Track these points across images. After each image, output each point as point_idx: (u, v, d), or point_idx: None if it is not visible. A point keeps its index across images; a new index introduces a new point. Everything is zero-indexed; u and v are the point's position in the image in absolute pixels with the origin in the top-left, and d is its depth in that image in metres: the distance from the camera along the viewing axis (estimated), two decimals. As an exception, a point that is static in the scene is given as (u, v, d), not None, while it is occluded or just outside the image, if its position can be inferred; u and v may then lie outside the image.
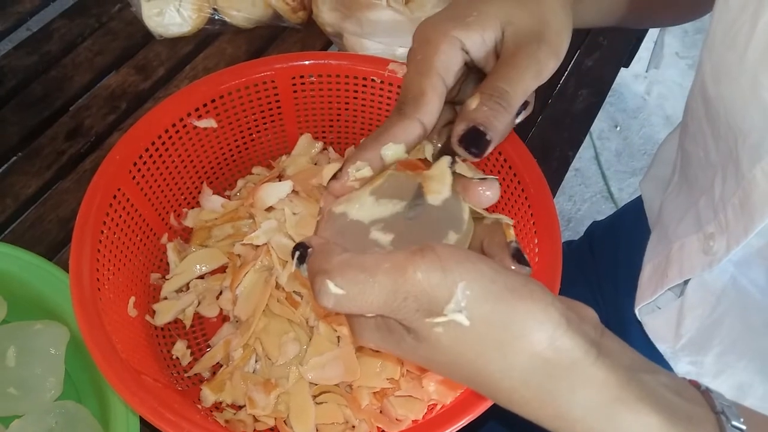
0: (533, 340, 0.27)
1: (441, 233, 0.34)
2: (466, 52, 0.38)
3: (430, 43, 0.37)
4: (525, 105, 0.39)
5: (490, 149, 0.35)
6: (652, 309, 0.52)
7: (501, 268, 0.29)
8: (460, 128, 0.35)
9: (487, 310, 0.27)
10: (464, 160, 0.37)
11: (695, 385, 0.32)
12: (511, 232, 0.35)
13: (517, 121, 0.39)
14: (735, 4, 0.35)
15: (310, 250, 0.31)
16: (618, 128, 1.86)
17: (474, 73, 0.40)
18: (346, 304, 0.29)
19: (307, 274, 0.31)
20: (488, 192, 0.35)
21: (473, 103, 0.35)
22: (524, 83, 0.35)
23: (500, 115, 0.35)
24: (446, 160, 0.36)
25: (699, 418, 0.29)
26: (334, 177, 0.36)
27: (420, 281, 0.27)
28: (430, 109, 0.36)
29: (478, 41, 0.37)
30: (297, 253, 0.32)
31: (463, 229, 0.34)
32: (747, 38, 0.34)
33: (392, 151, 0.35)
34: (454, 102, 0.41)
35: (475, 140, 0.34)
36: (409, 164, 0.37)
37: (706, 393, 0.31)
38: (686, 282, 0.48)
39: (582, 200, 1.70)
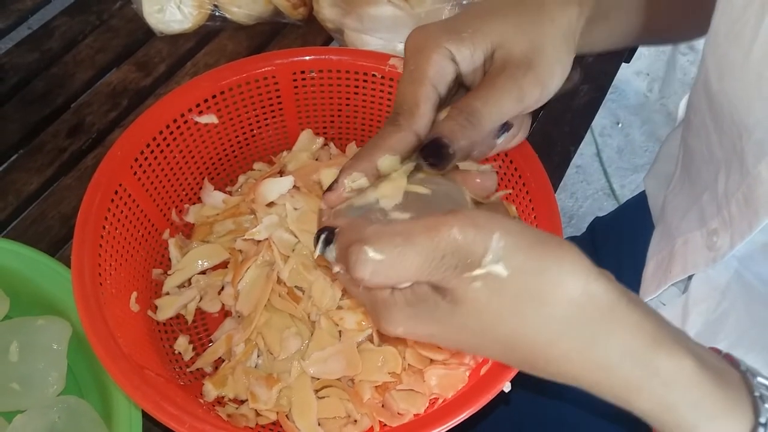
0: (568, 287, 0.28)
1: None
2: (457, 65, 0.38)
3: (422, 53, 0.37)
4: (507, 127, 0.39)
5: (452, 162, 0.35)
6: (657, 305, 0.52)
7: (529, 226, 0.30)
8: (426, 140, 0.36)
9: (522, 260, 0.28)
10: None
11: (715, 350, 0.33)
12: (513, 209, 0.35)
13: (498, 142, 0.40)
14: (739, 1, 0.35)
15: (337, 230, 0.31)
16: (620, 125, 1.85)
17: (464, 90, 0.40)
18: (383, 272, 0.29)
19: (338, 251, 0.31)
20: (486, 182, 0.36)
21: (442, 115, 0.36)
22: (500, 105, 0.36)
23: (465, 130, 0.35)
24: (406, 168, 0.37)
25: (727, 370, 0.31)
26: (330, 189, 0.36)
27: (456, 238, 0.28)
28: (425, 120, 0.36)
29: (467, 56, 0.38)
30: (322, 236, 0.32)
31: (469, 209, 0.35)
32: (752, 34, 0.34)
33: (388, 162, 0.36)
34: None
35: (435, 151, 0.35)
36: None
37: (728, 356, 0.32)
38: (690, 278, 0.48)
39: (584, 197, 1.70)
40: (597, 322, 0.29)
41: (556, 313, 0.28)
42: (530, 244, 0.29)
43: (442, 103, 0.39)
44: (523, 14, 0.38)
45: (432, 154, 0.35)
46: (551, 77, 0.37)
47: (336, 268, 0.32)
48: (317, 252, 0.32)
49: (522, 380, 0.41)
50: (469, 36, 0.37)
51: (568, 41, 0.39)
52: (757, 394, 0.30)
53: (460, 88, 0.40)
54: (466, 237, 0.28)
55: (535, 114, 0.71)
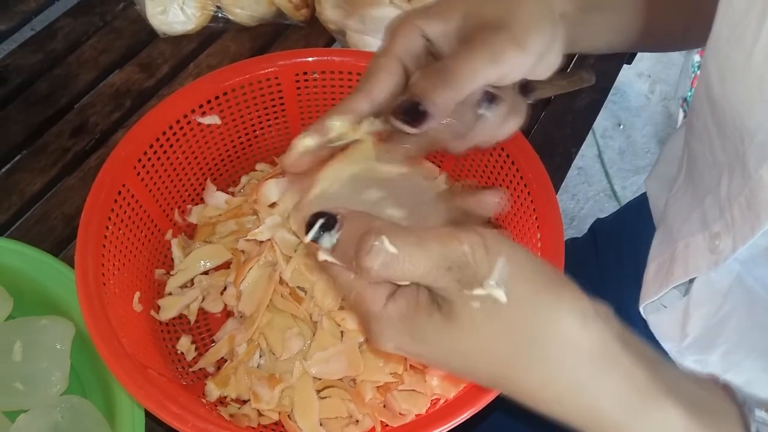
0: (564, 327, 0.28)
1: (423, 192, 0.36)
2: (428, 40, 0.38)
3: (391, 31, 0.38)
4: (490, 97, 0.38)
5: (429, 122, 0.35)
6: (658, 308, 0.52)
7: (534, 256, 0.30)
8: (397, 100, 0.35)
9: (522, 290, 0.28)
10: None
11: (714, 380, 0.32)
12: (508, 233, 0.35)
13: (481, 112, 0.39)
14: (740, 4, 0.35)
15: (339, 216, 0.30)
16: (621, 126, 1.85)
17: None
18: (393, 266, 0.28)
19: (343, 237, 0.30)
20: (493, 200, 0.36)
21: (415, 77, 0.36)
22: (473, 63, 0.35)
23: (438, 88, 0.35)
24: (366, 128, 0.36)
25: (723, 409, 0.30)
26: (287, 152, 0.36)
27: (465, 253, 0.28)
28: (380, 86, 0.36)
29: (439, 28, 0.38)
30: (320, 221, 0.30)
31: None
32: (753, 38, 0.34)
33: (337, 124, 0.36)
34: None
35: (408, 110, 0.34)
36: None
37: (726, 387, 0.32)
38: (691, 281, 0.48)
39: (585, 199, 1.70)
40: (590, 366, 0.29)
41: (549, 354, 0.28)
42: (533, 276, 0.29)
43: (411, 76, 0.38)
44: None
45: (404, 112, 0.34)
46: (526, 36, 0.37)
47: (325, 257, 0.31)
48: (310, 237, 0.31)
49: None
50: (437, 9, 0.38)
51: (542, 8, 0.38)
52: (745, 411, 0.30)
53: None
54: (475, 256, 0.28)
55: (536, 113, 0.71)
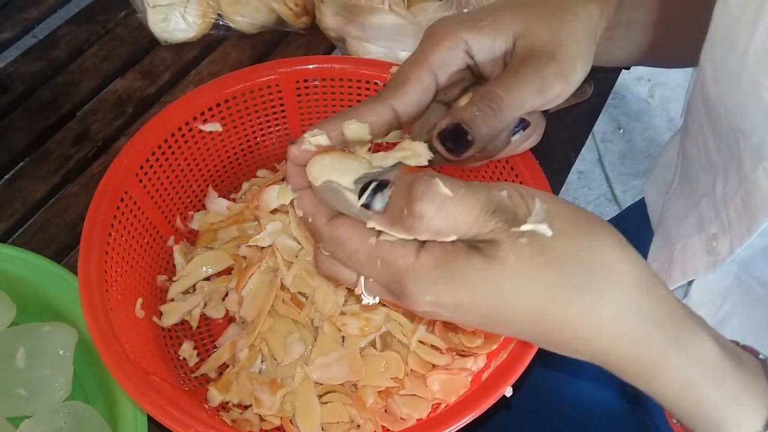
0: (608, 252, 0.29)
1: None
2: (471, 57, 0.37)
3: (434, 39, 0.37)
4: (524, 123, 0.39)
5: (470, 151, 0.35)
6: None
7: (563, 199, 0.31)
8: (443, 123, 0.35)
9: (562, 224, 0.29)
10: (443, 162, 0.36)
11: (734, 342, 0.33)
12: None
13: (514, 138, 0.39)
14: (735, 6, 0.35)
15: (391, 179, 0.31)
16: (621, 131, 1.86)
17: (481, 82, 0.40)
18: (446, 211, 0.28)
19: (398, 190, 0.30)
20: None
21: (463, 101, 0.35)
22: (522, 95, 0.35)
23: (487, 117, 0.34)
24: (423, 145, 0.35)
25: (745, 356, 0.32)
26: (293, 142, 0.35)
27: (505, 198, 0.29)
28: (408, 98, 0.35)
29: (486, 46, 0.37)
30: (373, 185, 0.30)
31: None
32: (747, 40, 0.34)
33: (354, 127, 0.34)
34: (451, 105, 0.41)
35: (455, 137, 0.34)
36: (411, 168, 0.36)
37: (745, 346, 0.33)
38: (690, 283, 0.48)
39: (586, 203, 1.71)
40: (633, 288, 0.29)
41: (595, 278, 0.29)
42: (567, 213, 0.30)
43: (442, 91, 0.38)
44: (545, 7, 0.38)
45: (451, 138, 0.34)
46: (573, 71, 0.37)
47: (375, 224, 0.30)
48: (363, 200, 0.30)
49: (523, 384, 0.41)
50: (489, 24, 0.37)
51: (589, 37, 0.38)
52: None
53: (477, 82, 0.40)
54: (513, 199, 0.29)
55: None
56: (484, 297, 0.29)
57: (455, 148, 0.34)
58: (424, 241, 0.30)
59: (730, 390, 0.30)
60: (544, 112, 0.42)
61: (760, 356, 0.33)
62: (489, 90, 0.35)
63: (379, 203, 0.30)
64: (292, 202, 0.35)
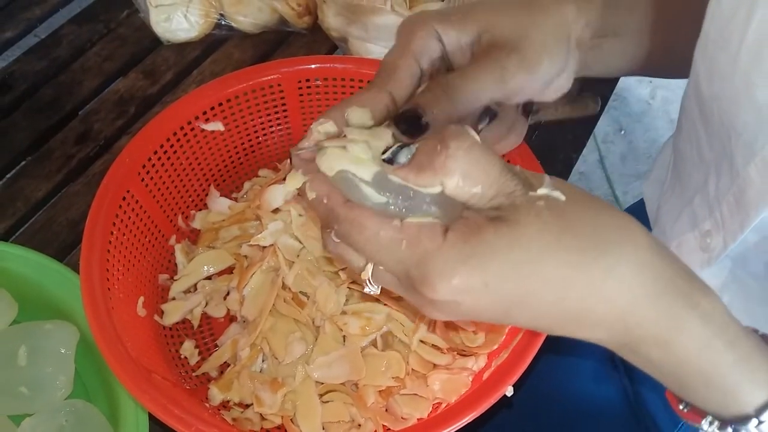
0: (614, 214, 0.31)
1: None
2: (443, 45, 0.38)
3: (409, 31, 0.38)
4: (491, 113, 0.39)
5: (424, 136, 0.35)
6: None
7: None
8: (401, 109, 0.36)
9: (574, 192, 0.31)
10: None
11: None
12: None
13: (481, 127, 0.39)
14: (727, 4, 0.35)
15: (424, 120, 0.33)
16: (623, 132, 1.86)
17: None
18: (475, 153, 0.30)
19: (421, 147, 0.31)
20: None
21: (421, 88, 0.36)
22: (480, 82, 0.36)
23: (440, 101, 0.35)
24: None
25: (747, 328, 0.32)
26: (303, 138, 0.36)
27: (519, 171, 0.31)
28: (401, 83, 0.37)
29: (453, 37, 0.38)
30: (398, 145, 0.32)
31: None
32: (740, 38, 0.34)
33: (357, 114, 0.35)
34: None
35: (408, 120, 0.35)
36: None
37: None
38: None
39: (587, 204, 1.71)
40: (644, 250, 0.30)
41: (609, 241, 0.30)
42: (572, 186, 0.32)
43: (424, 78, 0.39)
44: (515, 3, 0.39)
45: (404, 121, 0.35)
46: (537, 63, 0.37)
47: (399, 176, 0.31)
48: (387, 155, 0.32)
49: (524, 384, 0.42)
50: (458, 19, 0.38)
51: (559, 32, 0.39)
52: None
53: (448, 71, 0.41)
54: (525, 173, 0.31)
55: (537, 119, 0.71)
56: (513, 268, 0.29)
57: (409, 131, 0.35)
58: (446, 228, 0.30)
59: (743, 349, 0.31)
60: (527, 114, 0.42)
61: (760, 332, 0.33)
62: (445, 76, 0.37)
63: (404, 157, 0.31)
64: (297, 196, 0.35)
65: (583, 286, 0.30)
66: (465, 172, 0.30)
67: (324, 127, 0.35)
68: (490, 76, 0.36)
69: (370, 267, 0.32)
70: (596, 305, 0.30)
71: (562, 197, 0.30)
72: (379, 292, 0.33)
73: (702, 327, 0.30)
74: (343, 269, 0.51)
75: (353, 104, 0.36)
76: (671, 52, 0.48)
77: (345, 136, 0.34)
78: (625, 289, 0.30)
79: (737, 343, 0.31)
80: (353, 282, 0.51)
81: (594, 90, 0.75)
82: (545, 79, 0.38)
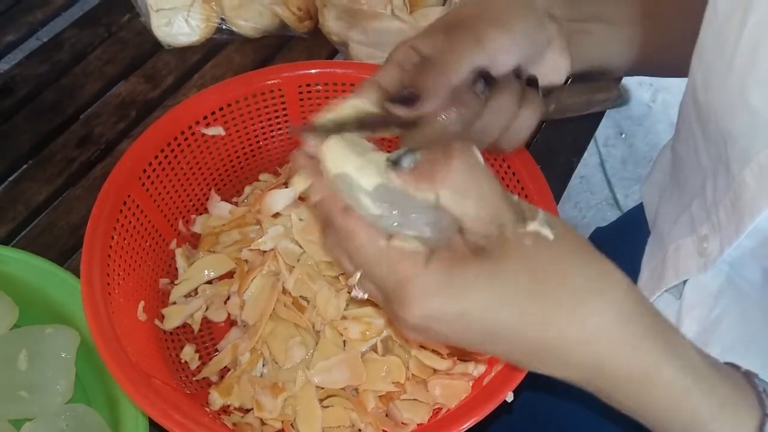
0: (601, 259, 0.31)
1: None
2: (420, 52, 0.39)
3: (390, 55, 0.39)
4: (486, 78, 0.38)
5: (423, 105, 0.36)
6: None
7: None
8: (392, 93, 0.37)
9: (564, 230, 0.31)
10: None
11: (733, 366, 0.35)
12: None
13: (478, 89, 0.39)
14: (723, 10, 0.36)
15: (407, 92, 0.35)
16: (623, 135, 1.86)
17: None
18: (476, 173, 0.31)
19: (427, 156, 0.32)
20: None
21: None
22: (456, 47, 0.37)
23: (425, 73, 0.36)
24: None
25: (728, 369, 0.33)
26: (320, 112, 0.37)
27: (516, 202, 0.32)
28: (386, 72, 0.38)
29: (428, 44, 0.39)
30: (405, 150, 0.33)
31: None
32: (734, 44, 0.35)
33: (357, 102, 0.37)
34: None
35: (402, 98, 0.36)
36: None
37: (748, 373, 0.34)
38: (684, 283, 0.48)
39: (587, 207, 1.71)
40: (625, 297, 0.31)
41: (593, 284, 0.30)
42: (565, 224, 0.32)
43: None
44: None
45: (398, 99, 0.36)
46: (507, 18, 0.38)
47: (399, 181, 0.32)
48: (393, 157, 0.32)
49: (524, 389, 0.42)
50: (425, 30, 0.40)
51: (524, 3, 0.40)
52: (761, 389, 0.32)
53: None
54: (521, 205, 0.32)
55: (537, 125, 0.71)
56: (492, 301, 0.30)
57: (404, 103, 0.36)
58: (432, 252, 0.31)
59: (721, 398, 0.31)
60: (533, 87, 0.41)
61: (742, 369, 0.34)
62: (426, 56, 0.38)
63: (407, 161, 0.32)
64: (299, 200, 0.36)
65: (561, 328, 0.30)
66: (463, 186, 0.30)
67: (324, 118, 0.35)
68: (465, 39, 0.37)
69: (358, 274, 0.33)
70: (573, 348, 0.31)
71: (551, 236, 0.31)
72: (365, 297, 0.34)
73: (680, 377, 0.31)
74: (342, 274, 0.51)
75: (347, 99, 0.37)
76: (668, 48, 0.48)
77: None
78: (604, 336, 0.30)
79: (714, 392, 0.31)
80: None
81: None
82: (525, 37, 0.39)
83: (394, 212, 0.31)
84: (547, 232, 0.31)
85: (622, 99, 0.62)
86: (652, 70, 0.52)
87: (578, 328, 0.30)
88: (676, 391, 0.31)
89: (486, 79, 0.38)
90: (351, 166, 0.33)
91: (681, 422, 0.31)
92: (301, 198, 0.54)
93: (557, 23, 0.42)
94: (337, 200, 0.33)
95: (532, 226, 0.31)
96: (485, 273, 0.30)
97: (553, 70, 0.41)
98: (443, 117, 0.37)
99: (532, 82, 0.41)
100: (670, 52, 0.49)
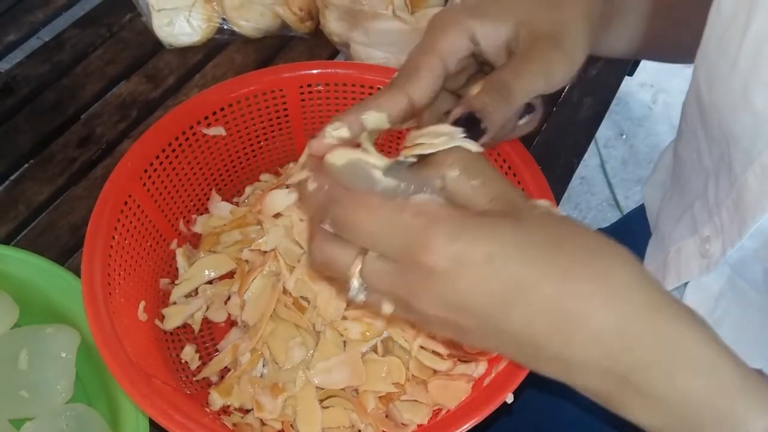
0: (604, 236, 0.31)
1: None
2: (476, 44, 0.38)
3: (440, 28, 0.38)
4: (531, 109, 0.39)
5: (484, 138, 0.35)
6: None
7: None
8: (456, 112, 0.35)
9: (565, 216, 0.32)
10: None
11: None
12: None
13: (520, 123, 0.39)
14: (727, 11, 0.36)
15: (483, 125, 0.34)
16: (624, 136, 1.86)
17: (486, 70, 0.40)
18: (482, 160, 0.32)
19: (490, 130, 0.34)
20: None
21: (475, 90, 0.36)
22: (530, 80, 0.36)
23: (498, 105, 0.35)
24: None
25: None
26: (314, 136, 0.35)
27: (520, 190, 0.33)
28: (422, 85, 0.36)
29: (491, 33, 0.38)
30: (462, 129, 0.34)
31: None
32: (738, 45, 0.35)
33: (373, 118, 0.35)
34: (459, 94, 0.41)
35: (468, 125, 0.35)
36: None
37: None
38: (685, 285, 0.48)
39: (588, 208, 1.71)
40: (639, 267, 0.30)
41: (604, 251, 0.30)
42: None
43: (449, 79, 0.38)
44: None
45: (463, 123, 0.35)
46: (577, 54, 0.38)
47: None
48: (401, 157, 0.33)
49: (524, 390, 0.42)
50: (493, 12, 0.38)
51: (588, 21, 0.39)
52: None
53: (482, 69, 0.41)
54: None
55: (538, 126, 0.71)
56: (516, 249, 0.29)
57: (469, 137, 0.34)
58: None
59: (742, 372, 0.29)
60: (544, 98, 0.42)
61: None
62: (499, 77, 0.36)
63: (411, 159, 0.33)
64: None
65: (584, 283, 0.29)
66: (469, 169, 0.31)
67: (339, 132, 0.34)
68: (540, 73, 0.36)
69: (359, 261, 0.31)
70: (596, 309, 0.28)
71: (557, 213, 0.31)
72: (363, 297, 0.32)
73: (705, 344, 0.29)
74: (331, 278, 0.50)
75: (371, 108, 0.35)
76: (672, 33, 0.48)
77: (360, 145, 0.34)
78: (624, 294, 0.29)
79: (739, 362, 0.30)
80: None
81: (596, 94, 0.75)
82: (580, 66, 0.38)
83: (407, 183, 0.31)
84: (556, 211, 0.31)
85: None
86: (657, 58, 0.52)
87: (598, 285, 0.29)
88: (705, 358, 0.29)
89: (529, 107, 0.39)
90: (357, 155, 0.32)
91: (708, 397, 0.29)
92: (299, 195, 0.54)
93: (594, 32, 0.41)
94: (340, 184, 0.32)
95: (541, 202, 0.31)
96: (508, 222, 0.29)
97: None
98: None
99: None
100: (678, 42, 0.49)
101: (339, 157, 0.33)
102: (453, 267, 0.28)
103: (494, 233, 0.29)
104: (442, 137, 0.33)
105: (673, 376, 0.29)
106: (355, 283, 0.32)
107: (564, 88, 0.75)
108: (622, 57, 0.50)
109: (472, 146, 0.33)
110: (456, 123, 0.35)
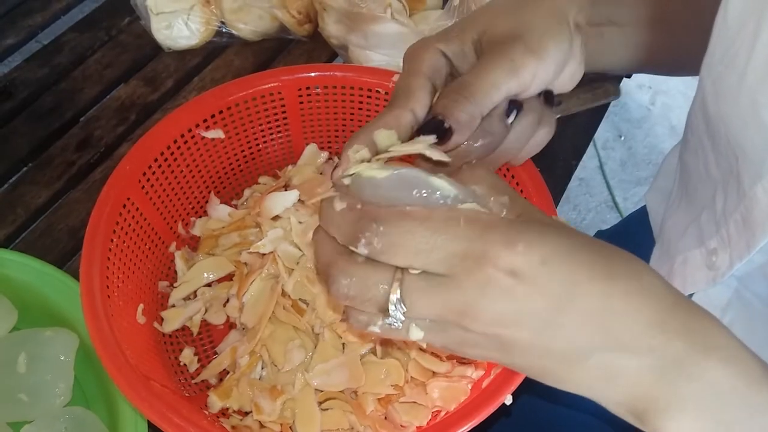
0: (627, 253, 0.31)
1: None
2: (450, 61, 0.40)
3: (416, 55, 0.39)
4: (516, 106, 0.39)
5: (454, 139, 0.36)
6: None
7: None
8: (423, 121, 0.36)
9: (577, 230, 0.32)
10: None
11: None
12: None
13: (509, 122, 0.39)
14: (733, 22, 0.35)
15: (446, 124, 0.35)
16: (622, 138, 1.86)
17: None
18: (504, 181, 0.32)
19: (460, 130, 0.35)
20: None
21: (436, 98, 0.37)
22: (491, 74, 0.37)
23: (458, 103, 0.36)
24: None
25: None
26: (336, 167, 0.34)
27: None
28: (420, 101, 0.37)
29: (458, 50, 0.39)
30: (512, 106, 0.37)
31: None
32: (746, 58, 0.34)
33: (384, 135, 0.36)
34: None
35: (433, 128, 0.35)
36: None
37: None
38: (690, 296, 0.48)
39: (587, 210, 1.71)
40: (655, 273, 0.31)
41: (623, 257, 0.30)
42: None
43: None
44: (508, 2, 0.40)
45: (430, 130, 0.35)
46: (543, 46, 0.38)
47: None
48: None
49: (524, 392, 0.42)
50: (456, 32, 0.40)
51: (555, 16, 0.39)
52: None
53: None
54: None
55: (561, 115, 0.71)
56: (568, 249, 0.29)
57: (436, 137, 0.35)
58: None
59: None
60: (549, 104, 0.42)
61: None
62: (459, 80, 0.37)
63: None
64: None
65: (625, 280, 0.29)
66: (493, 184, 0.31)
67: (360, 154, 0.35)
68: (501, 68, 0.37)
69: (397, 282, 0.29)
70: (641, 306, 0.29)
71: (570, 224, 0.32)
72: (402, 322, 0.30)
73: (738, 348, 0.30)
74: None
75: (379, 126, 0.36)
76: (674, 48, 0.48)
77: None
78: (658, 291, 0.30)
79: (757, 356, 0.31)
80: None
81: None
82: (555, 62, 0.38)
83: (457, 194, 0.30)
84: (572, 227, 0.32)
85: (617, 94, 0.62)
86: (657, 71, 0.52)
87: (637, 281, 0.29)
88: (734, 344, 0.30)
89: (513, 103, 0.39)
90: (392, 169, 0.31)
91: (737, 384, 0.29)
92: (301, 201, 0.54)
93: (581, 34, 0.41)
94: (374, 200, 0.30)
95: (559, 219, 0.33)
96: (554, 227, 0.30)
97: (569, 81, 0.41)
98: (468, 143, 0.37)
99: (548, 97, 0.41)
100: (677, 56, 0.49)
101: (377, 171, 0.31)
102: (511, 273, 0.28)
103: (545, 238, 0.29)
104: (417, 145, 0.34)
105: (710, 365, 0.30)
106: (395, 305, 0.29)
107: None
108: (623, 71, 0.50)
109: (434, 153, 0.34)
110: (423, 129, 0.36)
